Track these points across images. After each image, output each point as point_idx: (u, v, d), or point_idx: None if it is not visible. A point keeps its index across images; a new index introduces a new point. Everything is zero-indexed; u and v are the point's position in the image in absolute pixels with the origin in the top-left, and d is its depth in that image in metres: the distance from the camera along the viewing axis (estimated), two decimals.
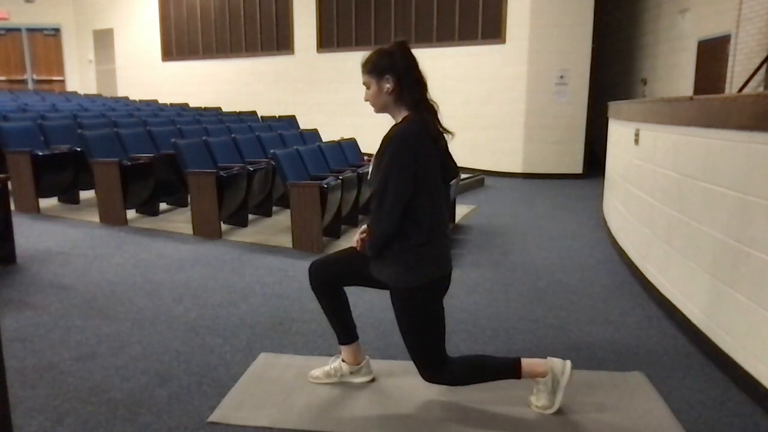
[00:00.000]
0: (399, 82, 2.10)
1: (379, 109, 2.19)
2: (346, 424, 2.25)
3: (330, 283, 2.40)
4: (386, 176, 2.04)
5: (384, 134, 2.10)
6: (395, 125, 2.14)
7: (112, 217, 5.50)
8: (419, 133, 2.08)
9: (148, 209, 5.78)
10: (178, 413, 2.28)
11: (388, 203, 2.05)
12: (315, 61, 11.54)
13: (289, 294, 3.70)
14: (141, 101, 12.22)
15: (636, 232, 4.26)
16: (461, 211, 6.24)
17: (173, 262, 4.36)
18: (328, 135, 7.80)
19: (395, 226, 2.08)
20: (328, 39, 11.36)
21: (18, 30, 14.58)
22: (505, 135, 9.60)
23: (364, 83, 2.18)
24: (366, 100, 2.20)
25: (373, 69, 2.13)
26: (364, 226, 2.27)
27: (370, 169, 2.18)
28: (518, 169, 9.52)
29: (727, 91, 6.98)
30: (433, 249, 2.14)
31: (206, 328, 3.14)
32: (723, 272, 2.74)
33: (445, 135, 2.19)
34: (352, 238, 2.38)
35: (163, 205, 6.07)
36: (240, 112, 10.63)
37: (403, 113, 2.14)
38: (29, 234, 5.03)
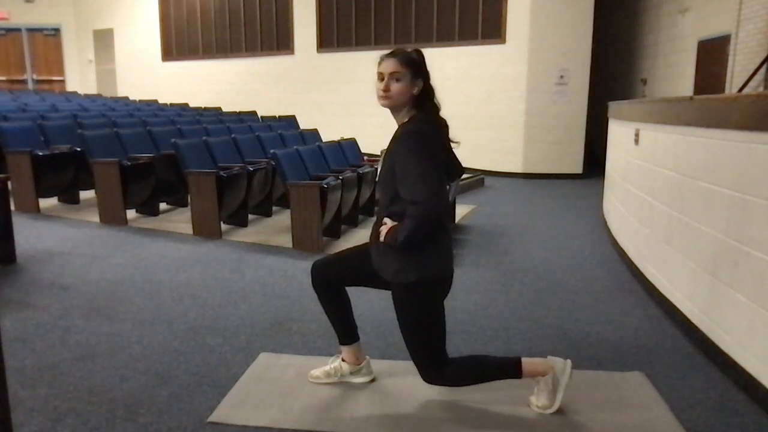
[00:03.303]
0: (424, 88, 2.11)
1: (395, 104, 2.09)
2: (346, 424, 2.25)
3: (332, 283, 2.40)
4: (416, 161, 2.01)
5: (387, 135, 2.10)
6: (403, 124, 2.13)
7: (112, 217, 5.50)
8: (430, 130, 2.09)
9: (148, 209, 5.78)
10: (178, 413, 2.29)
11: (428, 181, 2.01)
12: (315, 61, 11.54)
13: (289, 294, 3.70)
14: (141, 101, 12.20)
15: (636, 232, 4.26)
16: (461, 211, 6.24)
17: (173, 262, 4.36)
18: (328, 135, 7.80)
19: (439, 201, 2.06)
20: (328, 39, 11.36)
21: (18, 30, 14.57)
22: (505, 135, 9.59)
23: (393, 72, 2.05)
24: (385, 91, 2.06)
25: (410, 65, 2.08)
26: (386, 218, 2.15)
27: (379, 169, 2.17)
28: (518, 169, 9.52)
29: (727, 91, 6.98)
30: (436, 246, 2.14)
31: (206, 328, 3.14)
32: (723, 272, 2.74)
33: (448, 134, 2.20)
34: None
35: (163, 205, 6.08)
36: (240, 112, 10.62)
37: (408, 115, 2.14)
38: (29, 234, 5.03)
